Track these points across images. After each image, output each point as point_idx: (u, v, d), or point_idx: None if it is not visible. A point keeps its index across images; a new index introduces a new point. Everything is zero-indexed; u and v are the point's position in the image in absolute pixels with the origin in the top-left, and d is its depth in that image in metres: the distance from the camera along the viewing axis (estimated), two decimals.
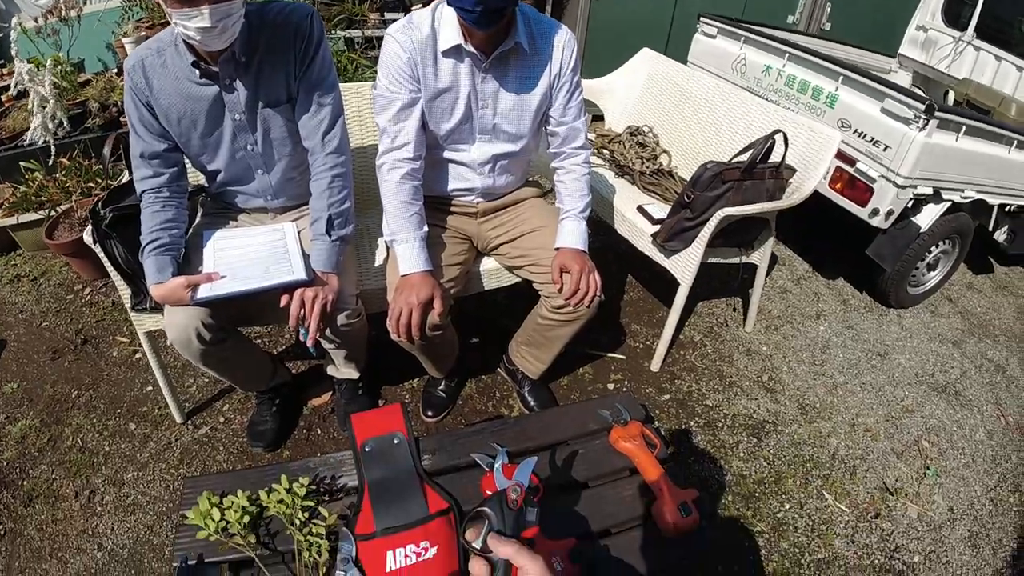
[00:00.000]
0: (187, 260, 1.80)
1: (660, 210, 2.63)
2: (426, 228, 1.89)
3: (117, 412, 2.38)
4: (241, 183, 1.92)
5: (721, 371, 2.81)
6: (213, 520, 1.24)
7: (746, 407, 2.65)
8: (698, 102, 2.95)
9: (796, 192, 2.48)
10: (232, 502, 1.28)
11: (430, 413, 2.40)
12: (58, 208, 2.93)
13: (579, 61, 1.93)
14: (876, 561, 2.17)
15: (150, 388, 2.46)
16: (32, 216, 2.98)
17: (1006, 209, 3.38)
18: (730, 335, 3.03)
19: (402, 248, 1.84)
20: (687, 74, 3.08)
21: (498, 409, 2.49)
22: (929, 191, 2.88)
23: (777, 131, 2.32)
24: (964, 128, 2.74)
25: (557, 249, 1.98)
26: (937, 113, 2.56)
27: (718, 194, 2.28)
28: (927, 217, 3.00)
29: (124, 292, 1.96)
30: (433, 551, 1.25)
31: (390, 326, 1.82)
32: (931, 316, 3.40)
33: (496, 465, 1.35)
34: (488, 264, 2.21)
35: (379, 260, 2.23)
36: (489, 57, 1.77)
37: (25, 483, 2.14)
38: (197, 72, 1.65)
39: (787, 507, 2.28)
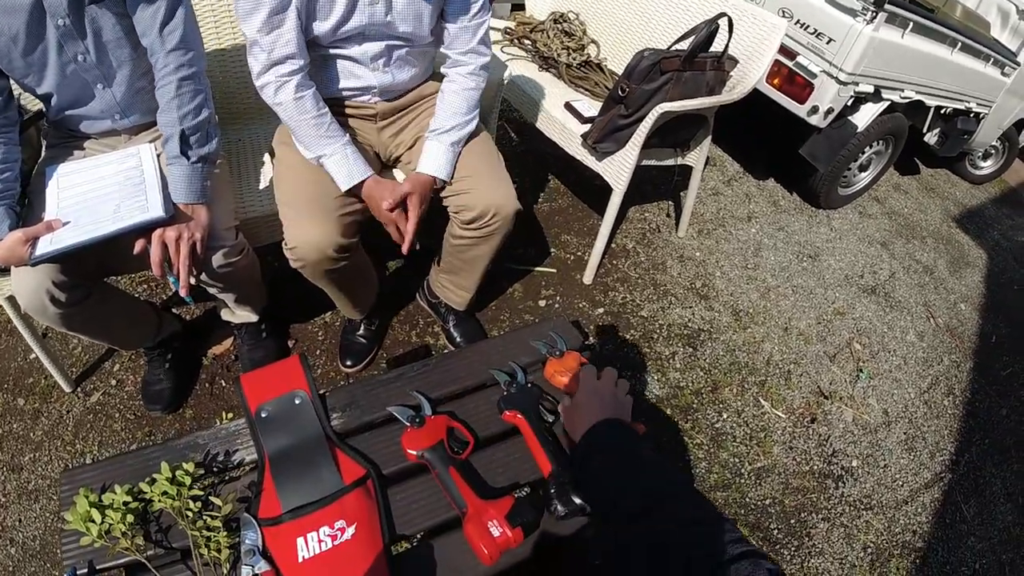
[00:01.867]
0: (31, 207, 1.49)
1: (590, 107, 2.40)
2: (348, 135, 1.63)
3: (4, 387, 2.09)
4: (81, 104, 1.58)
5: (655, 280, 2.69)
6: (94, 523, 1.03)
7: (681, 316, 2.56)
8: None
9: (738, 86, 2.30)
10: (112, 499, 1.06)
11: (349, 363, 2.13)
12: None
13: None
14: (815, 467, 2.16)
15: (33, 356, 2.16)
16: None
17: (941, 111, 3.36)
18: (663, 241, 2.90)
19: (333, 161, 1.59)
20: None
21: (423, 338, 2.28)
22: (870, 89, 2.79)
23: (722, 15, 2.10)
24: (911, 24, 2.64)
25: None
26: (886, 6, 2.44)
27: (656, 87, 2.06)
28: (864, 116, 2.93)
29: None
30: (351, 531, 1.06)
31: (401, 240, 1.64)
32: (859, 217, 3.38)
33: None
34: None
35: (264, 180, 1.90)
36: None
37: None
38: None
39: (725, 417, 2.24)
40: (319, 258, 1.60)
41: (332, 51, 1.63)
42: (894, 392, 2.47)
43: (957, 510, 2.15)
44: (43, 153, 1.70)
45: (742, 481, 2.07)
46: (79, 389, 2.08)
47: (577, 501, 1.11)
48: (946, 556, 2.05)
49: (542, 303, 2.48)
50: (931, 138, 3.55)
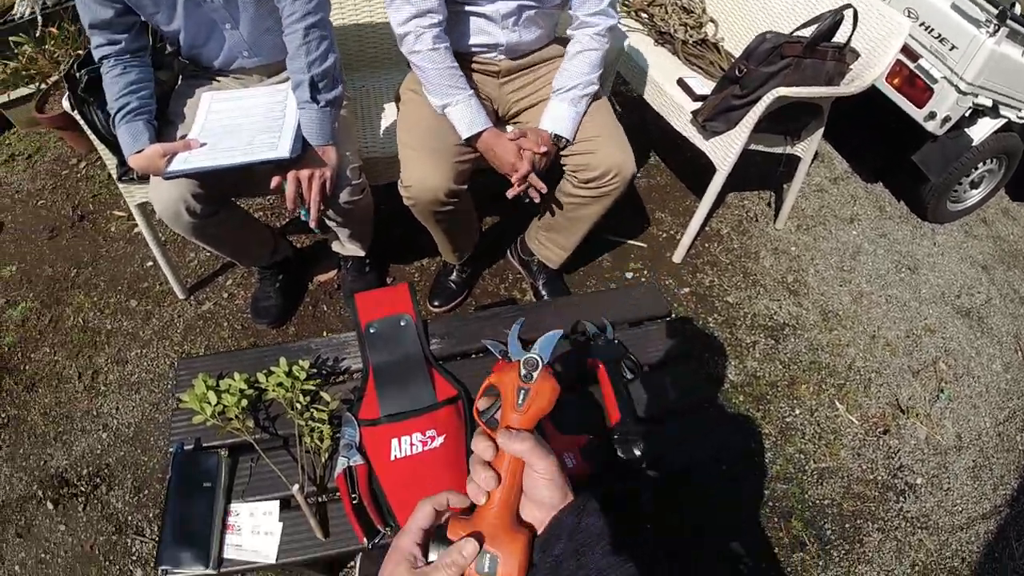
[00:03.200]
0: (170, 123, 1.63)
1: (703, 85, 2.40)
2: (472, 89, 1.72)
3: (118, 289, 2.29)
4: (209, 42, 1.67)
5: (745, 268, 2.68)
6: (209, 404, 1.16)
7: (767, 308, 2.54)
8: None
9: (857, 80, 2.25)
10: (229, 385, 1.20)
11: (437, 303, 2.25)
12: (48, 80, 2.74)
13: None
14: (879, 477, 2.14)
15: (150, 263, 2.35)
16: (23, 91, 2.82)
17: None
18: (759, 231, 2.87)
19: (458, 110, 1.69)
20: None
21: (511, 292, 2.37)
22: (988, 103, 2.68)
23: (848, 5, 2.07)
24: None
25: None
26: (1008, 21, 2.35)
27: (774, 70, 2.05)
28: (981, 131, 2.81)
29: (110, 162, 1.79)
30: (440, 440, 1.17)
31: (515, 192, 1.73)
32: (964, 236, 3.23)
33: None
34: None
35: (386, 124, 2.02)
36: None
37: (27, 367, 2.08)
38: None
39: (797, 413, 2.23)
40: (431, 199, 1.70)
41: (467, 7, 1.70)
42: (971, 418, 2.39)
43: (1008, 546, 2.08)
44: (179, 83, 1.80)
45: (804, 477, 2.07)
46: (192, 298, 2.25)
47: (636, 452, 1.19)
48: None
49: (629, 275, 2.52)
50: None
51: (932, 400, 2.41)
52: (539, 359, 0.69)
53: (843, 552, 1.94)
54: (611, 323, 1.44)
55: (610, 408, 1.28)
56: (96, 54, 1.54)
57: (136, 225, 2.44)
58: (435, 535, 0.66)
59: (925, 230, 3.16)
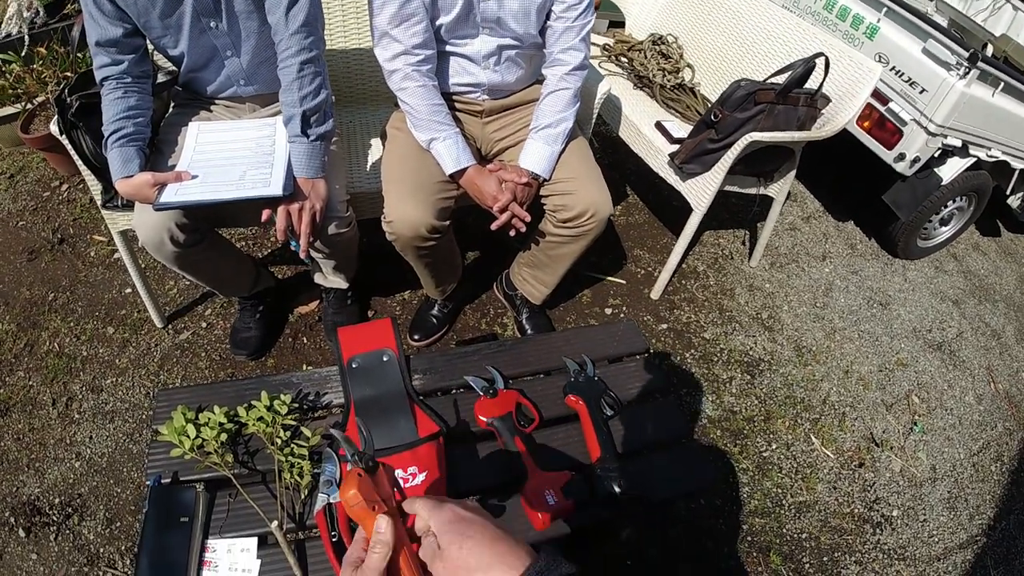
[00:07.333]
0: (159, 152, 1.64)
1: (680, 128, 2.47)
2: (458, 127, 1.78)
3: (95, 315, 2.27)
4: (209, 68, 1.70)
5: (721, 305, 2.72)
6: (188, 437, 1.15)
7: (743, 343, 2.58)
8: (731, 15, 2.72)
9: (828, 124, 2.32)
10: (208, 418, 1.19)
11: (417, 337, 2.26)
12: (35, 100, 2.74)
13: None
14: (856, 510, 2.16)
15: (129, 290, 2.33)
16: (9, 110, 2.80)
17: None
18: (734, 268, 2.93)
19: (445, 146, 1.74)
20: None
21: (491, 327, 2.39)
22: (958, 143, 2.75)
23: (820, 54, 2.14)
24: (1002, 84, 2.60)
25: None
26: (979, 64, 2.43)
27: (748, 116, 2.11)
28: (950, 170, 2.88)
29: (95, 187, 1.80)
30: (422, 477, 1.17)
31: (500, 223, 1.77)
32: (935, 271, 3.31)
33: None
34: None
35: (372, 159, 2.06)
36: None
37: (1, 391, 2.05)
38: None
39: (774, 447, 2.25)
40: (412, 235, 1.73)
41: (448, 48, 1.76)
42: (945, 450, 2.44)
43: (986, 574, 2.12)
44: (171, 110, 1.83)
45: (782, 512, 2.08)
46: (170, 327, 2.24)
47: (616, 488, 1.20)
48: None
49: (608, 311, 2.55)
50: (1014, 201, 3.43)
51: (906, 433, 2.44)
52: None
53: None
54: (591, 360, 1.47)
55: (590, 444, 1.30)
56: (98, 75, 1.55)
57: (116, 251, 2.42)
58: None
59: (896, 266, 3.24)
